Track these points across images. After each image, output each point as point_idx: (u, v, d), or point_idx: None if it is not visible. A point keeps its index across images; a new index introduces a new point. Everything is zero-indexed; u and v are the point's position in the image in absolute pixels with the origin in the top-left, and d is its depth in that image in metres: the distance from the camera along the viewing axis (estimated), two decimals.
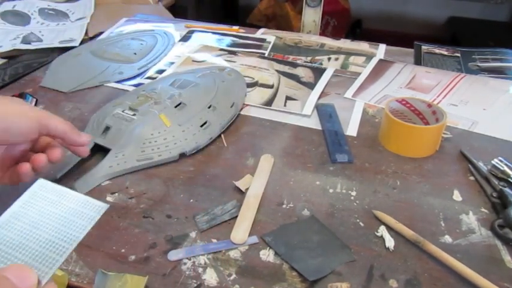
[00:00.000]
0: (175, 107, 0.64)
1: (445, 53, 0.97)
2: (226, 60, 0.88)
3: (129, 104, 0.63)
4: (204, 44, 0.96)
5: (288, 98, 0.76)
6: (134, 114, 0.61)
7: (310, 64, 0.89)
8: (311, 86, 0.80)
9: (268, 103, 0.74)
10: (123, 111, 0.62)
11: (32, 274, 0.28)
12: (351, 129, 0.68)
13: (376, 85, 0.81)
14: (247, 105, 0.74)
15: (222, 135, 0.65)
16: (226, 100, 0.69)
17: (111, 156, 0.57)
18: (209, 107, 0.66)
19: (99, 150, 0.59)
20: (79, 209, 0.34)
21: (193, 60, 0.88)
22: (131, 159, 0.58)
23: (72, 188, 0.44)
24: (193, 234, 0.49)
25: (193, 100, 0.66)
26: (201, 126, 0.63)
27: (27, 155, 0.48)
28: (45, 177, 0.40)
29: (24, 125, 0.43)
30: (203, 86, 0.69)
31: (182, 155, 0.60)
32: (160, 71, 0.85)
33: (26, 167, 0.45)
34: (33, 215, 0.34)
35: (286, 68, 0.86)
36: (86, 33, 1.02)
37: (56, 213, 0.34)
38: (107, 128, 0.60)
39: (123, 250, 0.47)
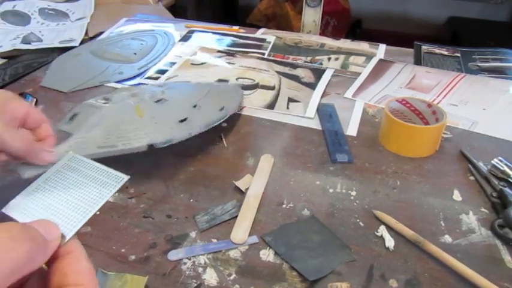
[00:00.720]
0: (156, 101, 0.60)
1: (445, 53, 0.97)
2: (225, 61, 0.88)
3: (104, 95, 0.59)
4: (203, 45, 0.96)
5: (290, 100, 0.75)
6: (106, 103, 0.57)
7: (310, 64, 0.89)
8: (312, 86, 0.80)
9: (271, 105, 0.74)
10: (96, 101, 0.58)
11: (56, 228, 0.32)
12: (351, 129, 0.68)
13: (376, 85, 0.81)
14: (248, 107, 0.74)
15: (223, 135, 0.65)
16: (215, 103, 0.64)
17: (70, 140, 0.52)
18: (194, 106, 0.61)
19: None
20: (102, 179, 0.39)
21: (192, 63, 0.88)
22: (92, 145, 0.52)
23: (15, 170, 0.47)
24: (193, 234, 0.49)
25: (177, 99, 0.61)
26: (180, 121, 0.58)
27: None
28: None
29: None
30: (191, 89, 0.66)
31: (151, 147, 0.54)
32: (160, 71, 0.85)
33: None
34: (61, 181, 0.39)
35: (286, 69, 0.86)
36: (86, 33, 1.02)
37: (81, 181, 0.39)
38: (75, 115, 0.56)
39: (123, 250, 0.47)
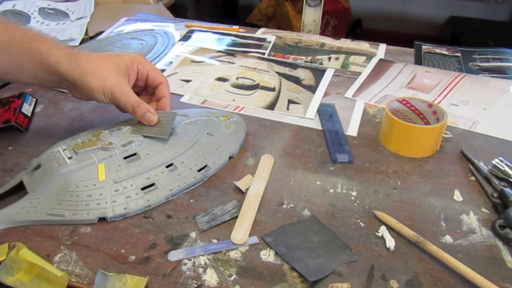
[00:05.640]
0: (125, 158, 0.54)
1: (446, 52, 0.97)
2: (225, 61, 0.88)
3: (74, 144, 0.54)
4: (202, 45, 0.96)
5: (290, 102, 0.75)
6: (70, 158, 0.53)
7: (310, 65, 0.89)
8: (312, 89, 0.79)
9: (271, 106, 0.74)
10: (63, 151, 0.54)
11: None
12: (352, 129, 0.68)
13: (377, 85, 0.81)
14: (249, 107, 0.74)
15: None
16: (196, 160, 0.57)
17: (24, 200, 0.51)
18: (168, 166, 0.55)
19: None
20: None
21: (192, 61, 0.88)
22: (43, 210, 0.50)
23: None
24: (193, 235, 0.49)
25: (152, 153, 0.55)
26: (143, 188, 0.52)
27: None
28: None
29: (100, 100, 0.56)
30: (175, 137, 0.58)
31: (103, 219, 0.50)
32: (160, 71, 0.84)
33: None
34: None
35: (286, 70, 0.85)
36: (86, 33, 1.01)
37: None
38: (38, 166, 0.53)
39: (123, 250, 0.47)
